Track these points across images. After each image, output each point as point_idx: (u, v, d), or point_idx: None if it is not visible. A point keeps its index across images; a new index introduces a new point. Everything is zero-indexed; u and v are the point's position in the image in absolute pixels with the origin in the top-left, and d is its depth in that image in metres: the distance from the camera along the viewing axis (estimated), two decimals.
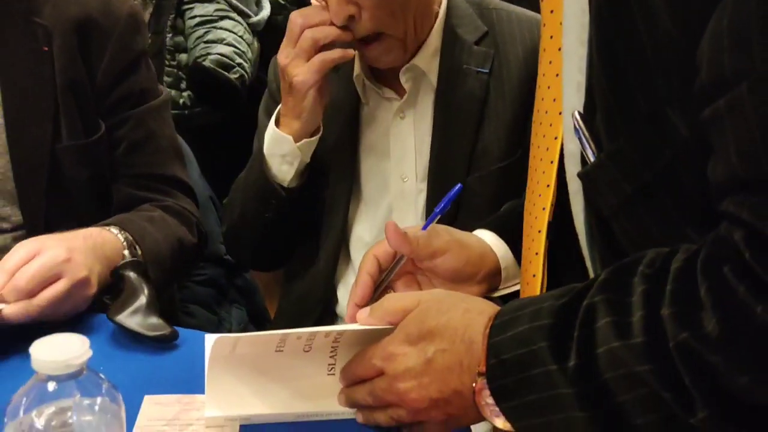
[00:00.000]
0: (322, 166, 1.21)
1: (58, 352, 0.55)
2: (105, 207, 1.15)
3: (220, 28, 2.18)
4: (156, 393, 0.81)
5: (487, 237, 0.92)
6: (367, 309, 0.76)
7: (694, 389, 0.53)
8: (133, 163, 1.18)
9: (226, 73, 2.11)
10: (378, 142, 1.22)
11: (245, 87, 2.15)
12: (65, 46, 1.10)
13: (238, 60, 2.14)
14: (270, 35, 2.27)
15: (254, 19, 2.24)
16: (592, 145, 0.65)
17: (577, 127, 0.66)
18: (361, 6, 1.08)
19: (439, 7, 1.19)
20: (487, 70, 1.17)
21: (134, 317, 0.89)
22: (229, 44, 2.15)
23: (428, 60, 1.18)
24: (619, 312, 0.58)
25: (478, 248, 0.89)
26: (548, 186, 0.73)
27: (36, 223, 1.07)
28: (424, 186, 1.19)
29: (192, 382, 0.82)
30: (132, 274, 0.93)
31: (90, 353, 0.56)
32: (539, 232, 0.74)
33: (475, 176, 1.16)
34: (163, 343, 0.89)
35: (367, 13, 1.08)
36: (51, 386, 0.55)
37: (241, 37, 2.19)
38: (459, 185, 0.90)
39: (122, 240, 1.03)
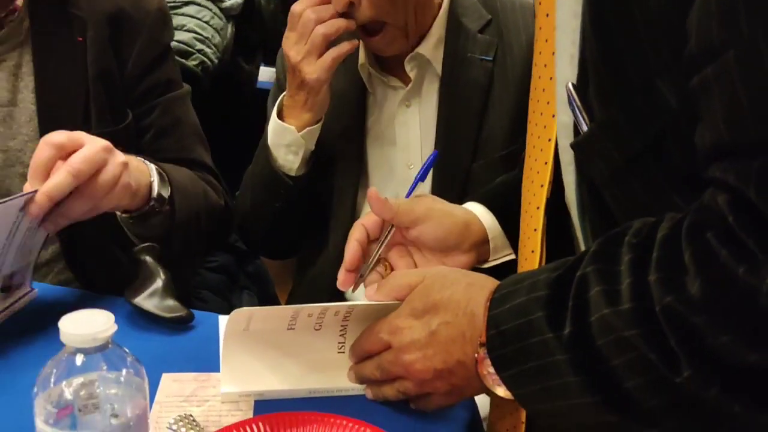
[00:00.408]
0: (330, 155, 1.24)
1: (86, 326, 0.58)
2: None
3: (182, 14, 2.13)
4: (173, 371, 0.85)
5: (475, 208, 0.93)
6: (374, 286, 0.79)
7: (679, 350, 0.56)
8: (160, 148, 1.21)
9: (183, 60, 2.05)
10: (384, 130, 1.25)
11: (208, 73, 2.11)
12: (98, 37, 1.14)
13: (199, 46, 2.09)
14: (253, 19, 2.23)
15: (227, 3, 2.19)
16: (585, 116, 0.67)
17: (571, 98, 0.68)
18: None
19: None
20: (490, 58, 1.20)
21: (151, 299, 0.93)
22: (189, 30, 2.10)
23: (432, 48, 1.20)
24: (608, 281, 0.60)
25: (462, 217, 0.90)
26: (546, 163, 0.75)
27: None
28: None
29: (207, 361, 0.86)
30: (148, 258, 0.96)
31: (115, 327, 0.59)
32: (537, 208, 0.76)
33: (480, 163, 1.19)
34: (179, 325, 0.93)
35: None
36: (79, 359, 0.58)
37: (206, 22, 2.13)
38: (435, 152, 0.93)
39: (147, 163, 1.05)
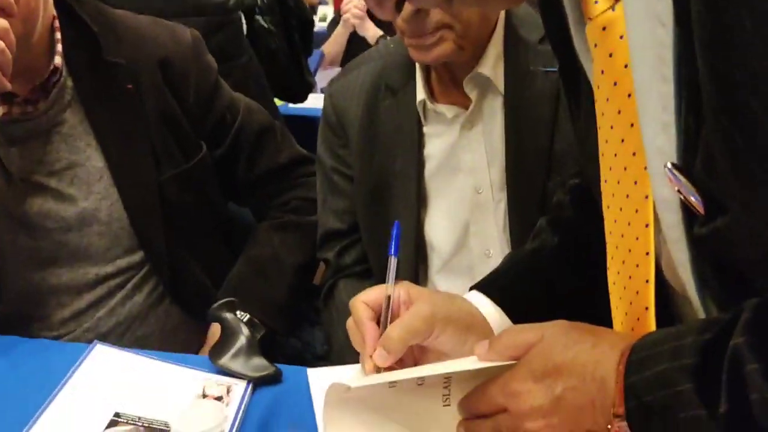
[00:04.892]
0: (388, 192, 1.21)
1: (198, 423, 0.55)
2: (216, 233, 1.22)
3: None
4: (265, 428, 0.81)
5: (483, 305, 0.87)
6: (486, 343, 0.73)
7: None
8: (256, 171, 1.25)
9: None
10: (446, 158, 1.20)
11: None
12: (153, 83, 1.12)
13: None
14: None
15: None
16: (696, 192, 0.59)
17: (675, 177, 0.60)
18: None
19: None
20: (556, 68, 1.14)
21: (236, 360, 0.89)
22: None
23: (492, 66, 1.14)
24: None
25: (463, 320, 0.83)
26: (647, 254, 0.67)
27: (160, 262, 1.12)
28: (503, 195, 1.17)
29: (301, 417, 0.83)
30: (229, 315, 0.93)
31: (228, 422, 0.56)
32: (646, 308, 0.69)
33: (557, 181, 1.13)
34: (268, 384, 0.89)
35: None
36: None
37: None
38: (396, 223, 0.86)
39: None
